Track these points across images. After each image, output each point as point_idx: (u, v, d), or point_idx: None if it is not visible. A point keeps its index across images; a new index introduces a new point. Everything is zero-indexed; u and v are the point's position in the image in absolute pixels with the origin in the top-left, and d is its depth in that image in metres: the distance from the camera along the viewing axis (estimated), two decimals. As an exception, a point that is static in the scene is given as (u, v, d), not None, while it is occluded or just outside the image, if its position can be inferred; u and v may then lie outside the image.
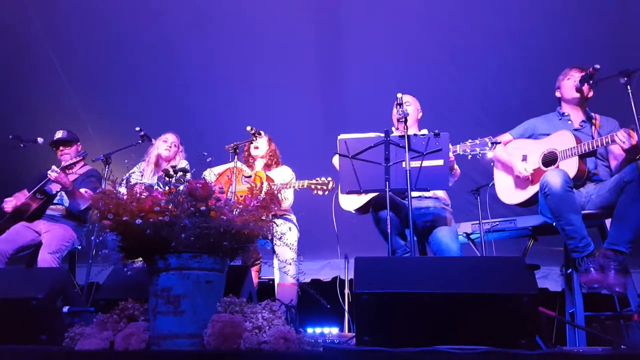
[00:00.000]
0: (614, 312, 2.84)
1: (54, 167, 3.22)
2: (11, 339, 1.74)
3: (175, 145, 3.55)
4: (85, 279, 2.83)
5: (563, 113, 2.90)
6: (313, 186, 3.05)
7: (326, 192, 3.03)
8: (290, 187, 3.14)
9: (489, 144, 2.48)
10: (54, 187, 3.38)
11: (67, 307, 1.89)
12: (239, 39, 4.51)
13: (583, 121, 2.85)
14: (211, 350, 1.44)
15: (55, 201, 3.42)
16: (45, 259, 3.06)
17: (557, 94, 2.95)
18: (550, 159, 2.75)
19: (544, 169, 2.73)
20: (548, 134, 2.83)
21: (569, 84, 2.85)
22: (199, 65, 4.71)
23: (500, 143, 2.54)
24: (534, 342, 1.57)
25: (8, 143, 3.36)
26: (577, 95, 2.82)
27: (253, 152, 3.40)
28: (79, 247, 3.42)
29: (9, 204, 3.34)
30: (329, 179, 3.05)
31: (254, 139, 3.10)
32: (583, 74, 2.76)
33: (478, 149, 2.52)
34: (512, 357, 1.37)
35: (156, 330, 1.51)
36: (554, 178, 2.44)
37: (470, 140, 2.56)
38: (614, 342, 1.98)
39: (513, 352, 1.39)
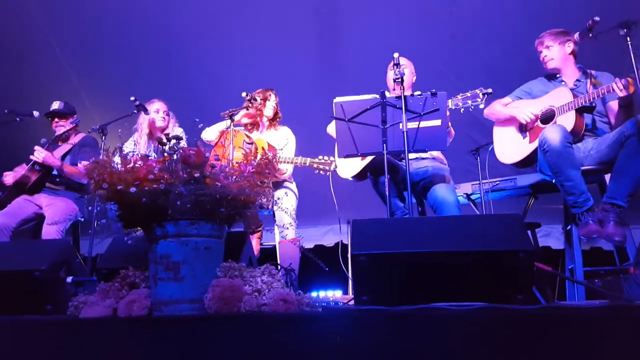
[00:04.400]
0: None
1: (37, 147, 3.19)
2: (18, 309, 1.77)
3: (166, 114, 3.50)
4: (89, 250, 2.86)
5: (556, 75, 2.88)
6: (315, 165, 3.05)
7: (328, 173, 3.02)
8: (291, 163, 3.13)
9: (480, 95, 2.45)
10: (55, 154, 3.36)
11: (70, 277, 1.93)
12: (232, 3, 4.39)
13: (577, 80, 2.82)
14: (212, 313, 1.47)
15: (55, 172, 3.40)
16: (49, 232, 3.09)
17: None
18: (548, 116, 2.73)
19: (542, 126, 2.71)
20: (544, 95, 2.81)
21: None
22: (193, 30, 4.60)
23: (492, 92, 2.52)
24: (530, 298, 1.59)
25: (4, 117, 3.32)
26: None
27: (267, 112, 3.35)
28: (82, 219, 3.44)
29: (9, 177, 3.34)
30: (332, 158, 3.03)
31: (250, 104, 3.06)
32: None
33: (470, 102, 2.50)
34: (508, 312, 1.38)
35: (157, 297, 1.53)
36: (552, 134, 2.43)
37: (461, 94, 2.53)
38: (611, 295, 2.01)
39: (510, 308, 1.40)
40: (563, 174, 2.43)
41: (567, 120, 2.59)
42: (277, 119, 3.43)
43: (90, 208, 2.83)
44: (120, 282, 1.63)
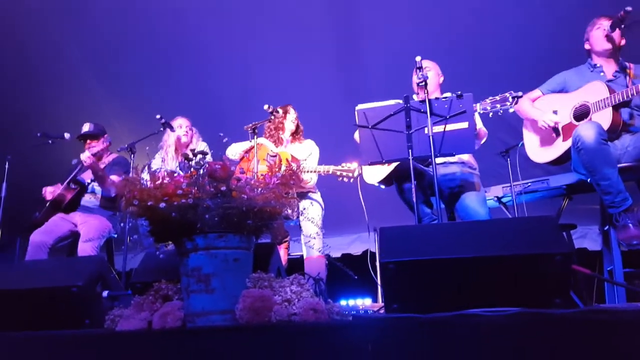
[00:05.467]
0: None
1: (86, 152, 3.32)
2: (57, 324, 1.83)
3: (190, 129, 3.59)
4: (123, 265, 2.94)
5: (595, 65, 2.75)
6: (338, 172, 3.02)
7: (351, 180, 2.99)
8: (315, 172, 3.13)
9: (510, 99, 2.38)
10: (86, 177, 3.49)
11: (106, 292, 1.98)
12: (252, 16, 4.46)
13: (616, 71, 2.70)
14: (243, 323, 1.48)
15: (89, 190, 3.53)
16: (84, 249, 3.19)
17: (587, 46, 2.80)
18: (582, 112, 2.63)
19: (576, 123, 2.62)
20: (579, 87, 2.70)
21: (599, 34, 2.69)
22: (215, 45, 4.71)
23: (522, 96, 2.44)
24: (568, 301, 1.53)
25: (37, 140, 3.46)
26: (609, 45, 2.67)
27: (289, 126, 3.42)
28: (115, 236, 3.54)
29: (49, 192, 3.46)
30: (355, 166, 3.01)
31: (272, 117, 3.10)
32: (611, 22, 2.63)
33: (499, 105, 2.43)
34: (546, 317, 1.33)
35: (190, 308, 1.56)
36: (586, 131, 2.33)
37: (490, 98, 2.47)
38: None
39: (547, 312, 1.35)
40: (599, 173, 2.33)
41: (604, 118, 2.48)
42: (300, 132, 3.48)
43: (122, 224, 2.90)
44: (154, 295, 1.66)
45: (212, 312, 1.53)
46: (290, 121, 3.42)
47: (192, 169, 1.61)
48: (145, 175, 1.64)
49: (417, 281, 1.57)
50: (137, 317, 1.63)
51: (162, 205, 1.47)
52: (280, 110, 3.21)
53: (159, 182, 1.54)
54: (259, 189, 1.67)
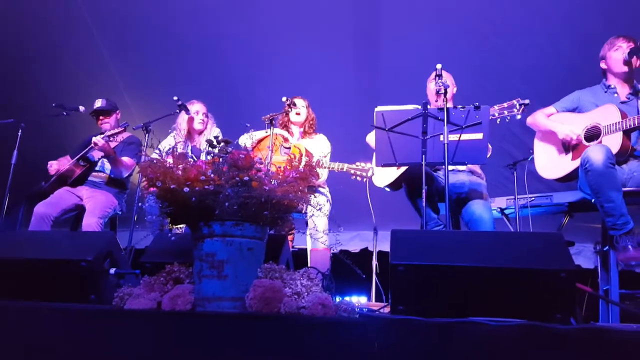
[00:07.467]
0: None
1: (99, 135, 3.31)
2: (63, 297, 1.83)
3: (206, 116, 3.57)
4: (128, 244, 2.95)
5: (609, 85, 2.80)
6: (352, 171, 3.06)
7: (364, 180, 3.02)
8: (329, 168, 3.15)
9: (517, 106, 2.43)
10: (96, 155, 3.49)
11: (113, 269, 1.98)
12: (274, 7, 4.46)
13: (630, 94, 2.75)
14: (253, 312, 1.51)
15: (97, 168, 3.54)
16: (90, 223, 3.18)
17: (603, 65, 2.83)
18: (593, 134, 2.68)
19: (586, 144, 2.66)
20: (593, 108, 2.74)
21: (617, 55, 2.73)
22: (235, 32, 4.69)
23: (529, 104, 2.48)
24: (569, 317, 1.57)
25: (51, 111, 3.46)
26: (625, 68, 2.71)
27: (294, 118, 3.43)
28: (120, 213, 3.55)
29: (54, 166, 3.47)
30: (369, 165, 3.04)
31: (289, 109, 3.11)
32: (630, 44, 2.66)
33: (506, 112, 2.47)
34: (548, 331, 1.37)
35: (201, 293, 1.58)
36: (595, 154, 2.38)
37: (498, 105, 2.51)
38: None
39: (550, 326, 1.39)
40: (604, 195, 2.38)
41: (614, 141, 2.53)
42: (312, 127, 3.48)
43: (140, 204, 2.91)
44: (165, 277, 1.68)
45: (222, 299, 1.56)
46: (295, 113, 3.41)
47: (214, 156, 1.63)
48: (169, 159, 1.66)
49: (424, 285, 1.61)
50: (146, 297, 1.64)
51: (186, 189, 1.49)
52: (298, 104, 3.22)
53: (182, 166, 1.56)
54: (277, 181, 1.69)
